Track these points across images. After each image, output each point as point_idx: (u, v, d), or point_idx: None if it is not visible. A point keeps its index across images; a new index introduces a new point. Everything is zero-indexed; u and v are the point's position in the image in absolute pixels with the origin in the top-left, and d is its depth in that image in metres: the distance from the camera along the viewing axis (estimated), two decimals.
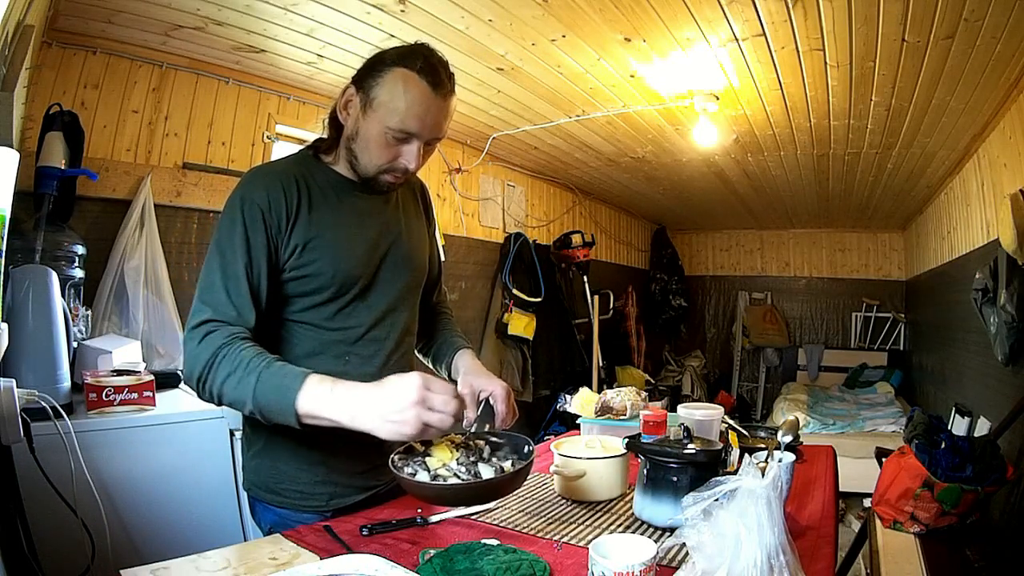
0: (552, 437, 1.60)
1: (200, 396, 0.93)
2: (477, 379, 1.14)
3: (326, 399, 0.85)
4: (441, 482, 0.90)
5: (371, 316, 1.09)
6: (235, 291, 0.94)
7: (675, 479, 0.98)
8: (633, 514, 1.05)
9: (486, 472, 0.93)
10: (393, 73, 0.98)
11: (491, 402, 1.11)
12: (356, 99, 1.02)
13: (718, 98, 2.76)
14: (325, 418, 0.85)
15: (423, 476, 0.92)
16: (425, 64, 0.98)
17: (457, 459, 0.95)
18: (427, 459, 0.95)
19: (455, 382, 1.19)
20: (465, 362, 1.20)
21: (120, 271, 2.03)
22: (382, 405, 0.83)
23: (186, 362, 0.92)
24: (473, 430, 1.06)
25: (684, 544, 0.71)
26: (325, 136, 1.11)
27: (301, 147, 1.16)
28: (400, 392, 0.83)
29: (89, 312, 1.86)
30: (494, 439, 1.03)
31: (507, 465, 0.96)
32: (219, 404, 0.93)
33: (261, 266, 0.97)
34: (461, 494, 0.92)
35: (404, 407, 0.82)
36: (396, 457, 0.96)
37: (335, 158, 1.10)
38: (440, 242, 3.21)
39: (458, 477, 0.91)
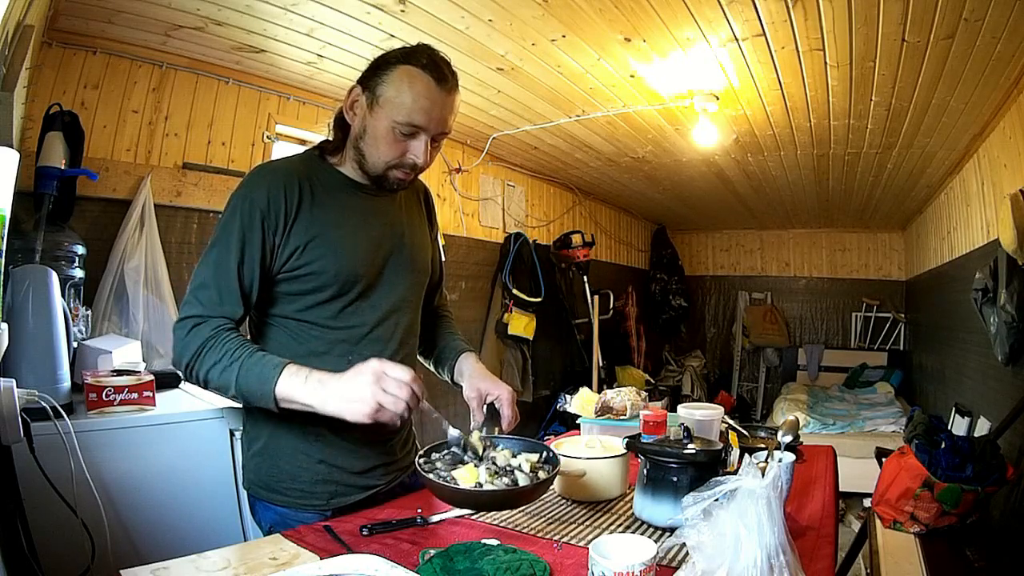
0: (552, 437, 1.59)
1: (187, 380, 1.01)
2: (483, 383, 1.15)
3: (300, 386, 0.92)
4: (478, 488, 0.92)
5: (374, 316, 1.09)
6: (225, 288, 0.98)
7: (675, 479, 0.98)
8: (633, 514, 1.05)
9: (522, 479, 0.94)
10: (398, 70, 1.01)
11: (496, 406, 1.11)
12: (362, 98, 1.04)
13: (718, 98, 2.76)
14: (299, 403, 0.92)
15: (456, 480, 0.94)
16: (429, 61, 1.01)
17: (488, 471, 0.96)
18: (456, 476, 0.96)
19: (459, 385, 1.20)
20: (469, 365, 1.21)
21: (120, 271, 2.02)
22: (344, 389, 0.90)
23: (175, 349, 0.98)
24: (482, 434, 1.06)
25: (684, 544, 0.71)
26: (330, 139, 1.12)
27: (303, 147, 1.17)
28: (359, 375, 0.90)
29: (89, 312, 1.86)
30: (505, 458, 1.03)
31: (541, 473, 0.97)
32: (206, 388, 1.00)
33: (254, 265, 0.99)
34: (498, 500, 0.95)
35: (361, 386, 0.89)
36: (422, 461, 0.98)
37: (341, 159, 1.11)
38: (441, 242, 3.22)
39: (490, 482, 0.93)
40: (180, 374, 1.02)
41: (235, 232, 0.98)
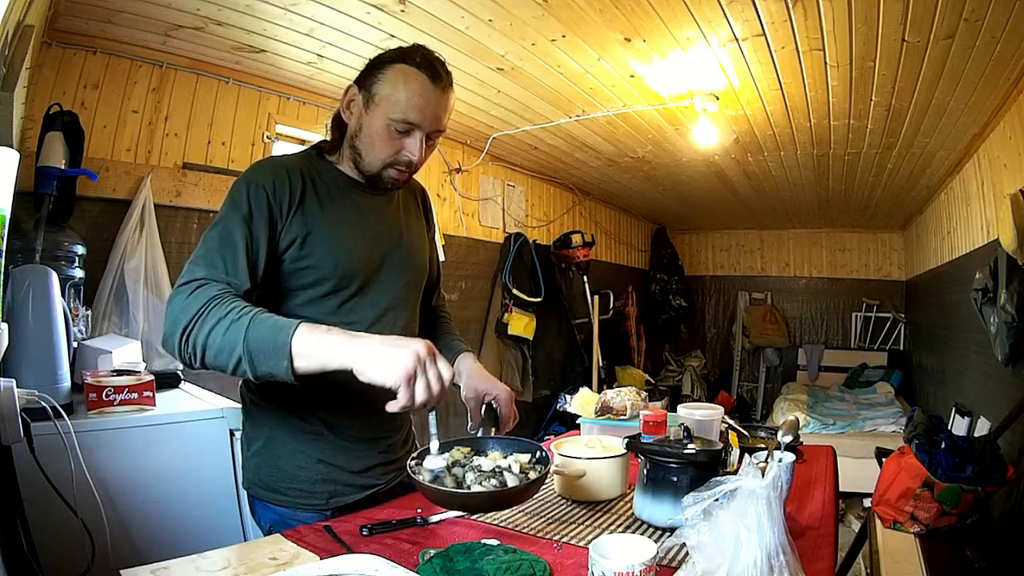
0: (552, 437, 1.60)
1: (180, 353, 0.87)
2: (482, 383, 1.15)
3: (322, 337, 0.83)
4: (466, 490, 0.90)
5: (373, 313, 1.10)
6: (231, 259, 0.94)
7: (675, 479, 0.98)
8: (633, 514, 1.05)
9: (511, 480, 0.93)
10: (393, 69, 1.02)
11: (494, 406, 1.11)
12: (358, 97, 1.05)
13: (718, 98, 2.76)
14: (319, 355, 0.82)
15: (442, 480, 0.92)
16: (423, 59, 1.02)
17: (474, 474, 0.95)
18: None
19: (457, 386, 1.20)
20: (467, 365, 1.21)
21: (120, 271, 2.02)
22: (385, 346, 0.83)
23: (170, 315, 0.87)
24: (479, 434, 1.06)
25: (684, 544, 0.71)
26: (328, 139, 1.13)
27: (303, 147, 1.17)
28: (407, 342, 0.83)
29: (89, 312, 1.86)
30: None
31: (531, 474, 0.96)
32: (200, 361, 0.87)
33: (260, 243, 0.97)
34: (487, 501, 0.93)
35: (406, 352, 0.81)
36: (413, 464, 0.96)
37: (339, 158, 1.12)
38: (440, 242, 3.22)
39: (479, 484, 0.92)
40: (173, 347, 0.87)
41: (241, 209, 0.96)
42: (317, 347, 0.82)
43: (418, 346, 0.82)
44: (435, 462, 0.95)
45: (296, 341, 0.82)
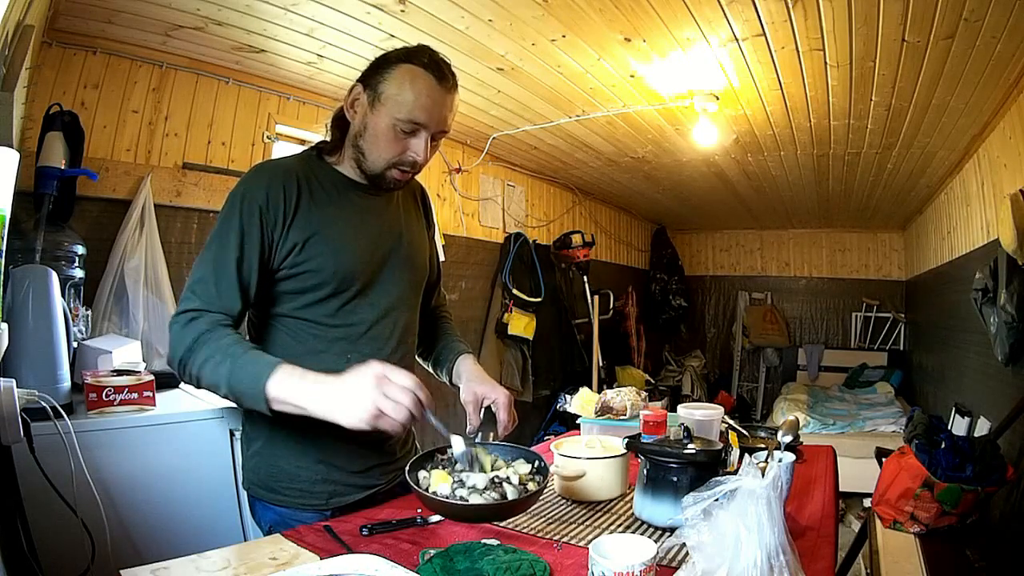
0: (552, 437, 1.60)
1: (181, 377, 0.96)
2: (481, 386, 1.14)
3: (295, 387, 0.88)
4: (463, 501, 0.90)
5: (373, 314, 1.10)
6: (224, 283, 0.97)
7: (675, 479, 0.98)
8: (633, 514, 1.05)
9: (511, 492, 0.93)
10: (400, 69, 1.02)
11: (493, 410, 1.11)
12: (363, 96, 1.05)
13: (718, 98, 2.76)
14: (292, 404, 0.88)
15: (444, 490, 0.92)
16: (430, 60, 1.03)
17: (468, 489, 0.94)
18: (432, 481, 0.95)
19: (457, 387, 1.20)
20: (467, 367, 1.21)
21: (120, 271, 2.02)
22: (343, 392, 0.86)
23: (170, 343, 0.96)
24: (478, 439, 1.06)
25: (684, 544, 0.71)
26: (328, 139, 1.13)
27: (303, 147, 1.17)
28: (359, 379, 0.86)
29: (89, 312, 1.86)
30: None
31: (530, 485, 0.96)
32: (198, 386, 0.95)
33: (252, 261, 0.99)
34: (486, 513, 0.93)
35: (362, 390, 0.85)
36: (414, 470, 0.96)
37: (339, 159, 1.12)
38: (440, 242, 3.22)
39: (479, 494, 0.91)
40: (175, 372, 0.97)
41: (234, 228, 0.98)
42: (289, 396, 0.88)
43: (367, 379, 0.85)
44: (458, 447, 0.98)
45: (270, 390, 0.88)
